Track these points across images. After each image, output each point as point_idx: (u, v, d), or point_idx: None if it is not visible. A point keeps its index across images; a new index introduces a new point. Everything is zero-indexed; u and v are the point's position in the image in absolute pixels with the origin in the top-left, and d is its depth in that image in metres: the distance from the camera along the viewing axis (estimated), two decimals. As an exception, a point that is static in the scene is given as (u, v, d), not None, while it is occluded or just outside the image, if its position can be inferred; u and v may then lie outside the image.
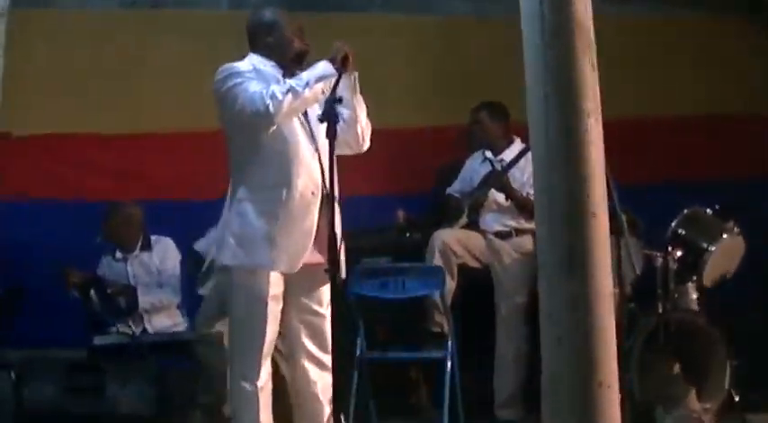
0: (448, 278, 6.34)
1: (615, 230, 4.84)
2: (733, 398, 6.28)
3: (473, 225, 6.71)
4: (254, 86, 4.51)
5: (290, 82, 4.59)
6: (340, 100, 4.43)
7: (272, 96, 4.43)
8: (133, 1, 8.04)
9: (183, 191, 7.67)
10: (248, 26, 4.99)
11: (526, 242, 6.43)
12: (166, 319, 7.01)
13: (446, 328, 6.21)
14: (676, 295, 6.61)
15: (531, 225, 6.25)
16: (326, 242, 4.39)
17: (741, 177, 7.80)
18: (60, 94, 7.72)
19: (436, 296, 6.28)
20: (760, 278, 7.29)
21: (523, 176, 6.46)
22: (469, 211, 6.66)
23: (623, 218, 4.92)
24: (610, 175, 4.69)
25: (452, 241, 6.52)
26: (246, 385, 4.59)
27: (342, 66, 4.49)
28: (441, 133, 7.91)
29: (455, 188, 6.95)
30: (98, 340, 6.22)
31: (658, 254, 6.41)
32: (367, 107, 4.90)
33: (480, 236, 6.51)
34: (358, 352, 6.19)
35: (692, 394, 6.33)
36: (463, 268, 6.57)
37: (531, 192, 5.74)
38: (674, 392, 6.29)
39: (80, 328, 6.74)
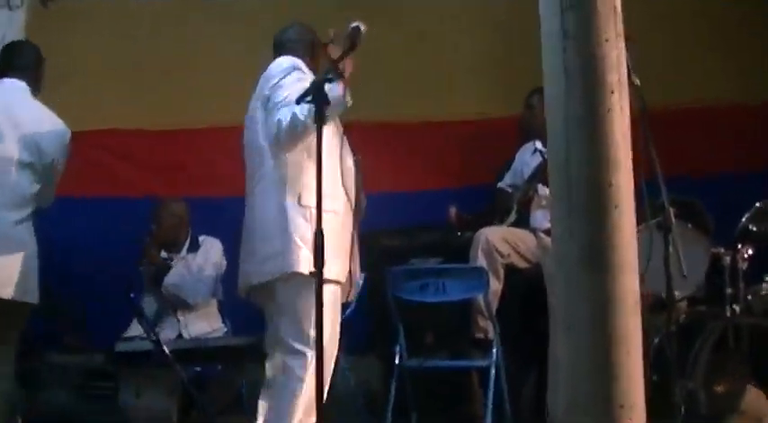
0: (493, 279, 5.82)
1: (664, 227, 4.35)
2: (809, 410, 5.67)
3: (522, 222, 6.14)
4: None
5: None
6: (330, 79, 3.93)
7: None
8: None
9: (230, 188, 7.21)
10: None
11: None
12: (204, 325, 6.63)
13: (491, 333, 5.68)
14: (749, 297, 5.98)
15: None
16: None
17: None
18: (103, 88, 7.42)
19: (480, 299, 5.72)
20: None
21: None
22: (518, 207, 6.13)
23: (671, 212, 4.29)
24: (656, 163, 4.22)
25: (497, 240, 6.00)
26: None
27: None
28: (503, 124, 7.35)
29: (506, 182, 6.49)
30: (119, 346, 5.80)
31: (726, 252, 5.79)
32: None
33: (530, 234, 5.94)
34: (397, 359, 5.69)
35: (766, 406, 5.70)
36: (511, 269, 6.00)
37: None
38: (745, 405, 5.69)
39: (109, 332, 6.30)
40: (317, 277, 3.83)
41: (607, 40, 3.15)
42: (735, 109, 7.38)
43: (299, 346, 4.58)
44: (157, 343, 5.65)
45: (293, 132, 4.46)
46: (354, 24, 4.33)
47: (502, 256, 6.01)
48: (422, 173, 7.16)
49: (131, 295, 6.13)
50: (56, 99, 6.82)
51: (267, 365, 4.67)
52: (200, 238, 6.76)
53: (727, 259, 5.85)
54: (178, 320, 6.59)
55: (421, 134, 7.15)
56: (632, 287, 3.10)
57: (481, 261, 5.95)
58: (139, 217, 6.98)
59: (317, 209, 3.93)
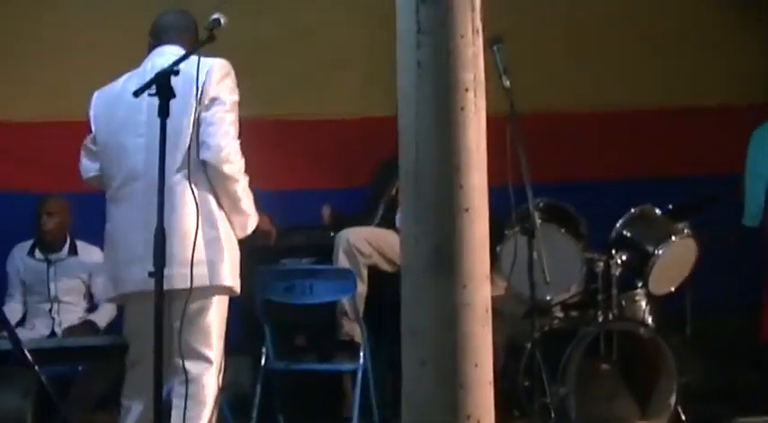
0: (358, 281, 5.64)
1: (528, 232, 4.26)
2: (680, 417, 5.63)
3: (389, 222, 6.00)
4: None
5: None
6: (176, 72, 3.76)
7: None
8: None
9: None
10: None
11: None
12: (74, 316, 6.44)
13: (357, 336, 5.53)
14: (623, 303, 5.95)
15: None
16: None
17: (711, 173, 7.06)
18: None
19: (345, 302, 5.59)
20: (735, 278, 6.69)
21: None
22: (385, 207, 5.99)
23: (536, 216, 4.19)
24: (525, 166, 4.14)
25: (359, 240, 5.83)
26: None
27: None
28: (385, 123, 7.18)
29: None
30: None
31: (600, 257, 5.73)
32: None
33: (395, 234, 5.69)
34: (263, 361, 5.54)
35: (635, 412, 5.70)
36: (376, 271, 5.85)
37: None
38: (615, 410, 5.65)
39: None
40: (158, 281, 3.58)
41: (463, 37, 3.03)
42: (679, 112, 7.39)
43: (209, 354, 4.29)
44: (16, 342, 5.42)
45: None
46: (215, 16, 4.11)
47: (364, 256, 5.85)
48: (300, 171, 7.02)
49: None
50: None
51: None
52: (79, 244, 6.53)
53: (600, 265, 5.78)
54: (53, 318, 6.42)
55: (300, 132, 7.00)
56: (482, 295, 2.97)
57: (343, 262, 5.80)
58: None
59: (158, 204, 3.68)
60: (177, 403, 4.24)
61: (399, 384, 5.61)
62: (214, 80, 4.23)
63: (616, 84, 7.25)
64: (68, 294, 6.47)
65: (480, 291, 2.90)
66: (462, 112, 2.94)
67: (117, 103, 4.23)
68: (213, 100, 4.21)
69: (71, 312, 6.46)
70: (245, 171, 4.32)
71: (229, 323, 4.94)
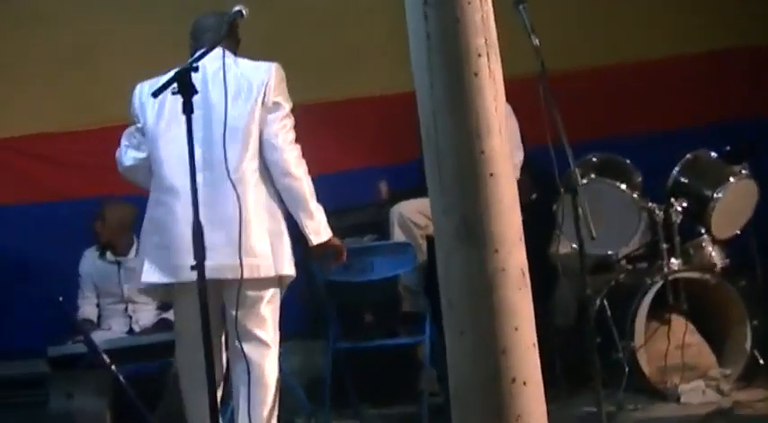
0: (418, 254, 5.65)
1: (570, 190, 4.23)
2: (757, 361, 5.56)
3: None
4: None
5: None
6: (195, 69, 3.82)
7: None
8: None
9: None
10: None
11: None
12: (152, 314, 6.54)
13: (421, 308, 5.54)
14: (690, 251, 5.89)
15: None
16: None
17: (757, 116, 6.91)
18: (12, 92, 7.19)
19: (407, 275, 5.59)
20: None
21: None
22: None
23: (578, 173, 4.16)
24: (562, 128, 4.11)
25: (411, 212, 5.87)
26: None
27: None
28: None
29: None
30: (51, 351, 5.67)
31: (659, 207, 5.68)
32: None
33: None
34: (331, 342, 5.57)
35: (710, 360, 5.61)
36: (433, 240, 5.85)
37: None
38: (689, 360, 5.60)
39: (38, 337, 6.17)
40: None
41: (470, 3, 3.01)
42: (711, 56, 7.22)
43: (268, 339, 4.45)
44: (91, 345, 5.54)
45: (294, 174, 4.44)
46: (237, 8, 4.16)
47: (419, 227, 5.88)
48: (352, 151, 7.03)
49: (60, 299, 6.01)
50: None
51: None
52: None
53: (660, 214, 5.72)
54: (130, 317, 6.50)
55: (342, 113, 7.01)
56: (516, 258, 2.95)
57: (399, 236, 5.85)
58: (59, 219, 6.98)
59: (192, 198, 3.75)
60: (242, 389, 4.38)
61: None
62: (275, 83, 4.47)
63: (655, 33, 7.12)
64: (140, 295, 6.53)
65: (513, 254, 2.89)
66: (477, 78, 2.92)
67: (165, 97, 4.26)
68: (276, 103, 4.45)
69: (146, 311, 6.54)
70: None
71: (298, 308, 5.00)
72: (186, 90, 3.67)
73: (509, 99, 5.77)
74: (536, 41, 4.36)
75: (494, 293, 2.88)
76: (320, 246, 4.47)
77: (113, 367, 5.26)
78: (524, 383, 2.90)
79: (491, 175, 2.93)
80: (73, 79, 7.12)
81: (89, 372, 5.48)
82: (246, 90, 4.39)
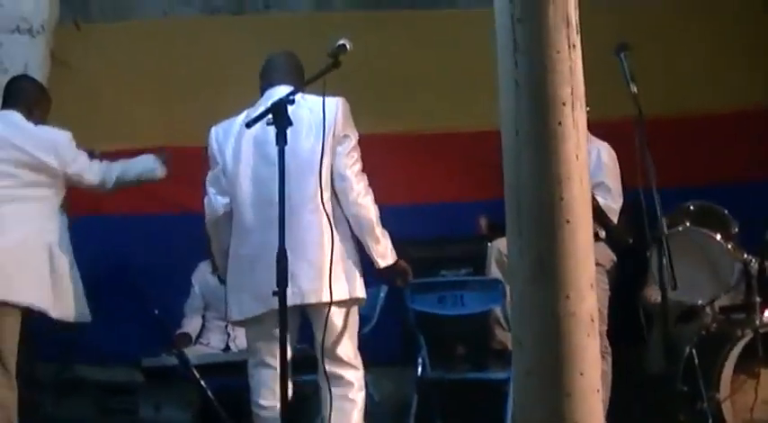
0: (509, 290, 5.69)
1: (657, 238, 4.27)
2: None
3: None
4: None
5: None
6: (291, 102, 4.09)
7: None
8: (215, 8, 7.64)
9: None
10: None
11: (597, 250, 5.69)
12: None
13: (510, 345, 5.58)
14: (786, 305, 5.84)
15: (600, 232, 5.64)
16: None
17: None
18: (142, 109, 7.49)
19: (497, 311, 5.66)
20: None
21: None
22: None
23: (665, 223, 4.19)
24: (653, 175, 4.15)
25: None
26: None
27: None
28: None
29: None
30: (146, 362, 5.86)
31: (753, 259, 5.65)
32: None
33: None
34: (419, 371, 5.67)
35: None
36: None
37: (598, 193, 5.22)
38: (772, 412, 5.55)
39: (141, 346, 6.37)
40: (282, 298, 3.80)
41: (559, 52, 3.09)
42: (756, 115, 7.17)
43: (352, 359, 4.74)
44: (182, 357, 5.71)
45: (362, 204, 4.73)
46: (341, 42, 4.33)
47: None
48: (456, 183, 7.10)
49: (155, 311, 6.21)
50: (87, 118, 6.98)
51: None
52: None
53: (755, 266, 5.69)
54: (228, 334, 6.64)
55: (449, 145, 7.08)
56: (587, 304, 3.02)
57: (495, 272, 5.90)
58: (177, 232, 7.16)
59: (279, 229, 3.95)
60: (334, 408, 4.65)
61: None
62: (343, 117, 4.73)
63: (751, 81, 7.08)
64: None
65: (585, 300, 2.96)
66: (560, 127, 3.00)
67: (241, 136, 4.49)
68: (345, 136, 4.71)
69: None
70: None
71: (390, 336, 5.11)
72: (282, 121, 3.80)
73: (606, 139, 5.90)
74: (634, 89, 4.42)
75: (562, 337, 2.95)
76: (387, 268, 4.73)
77: (202, 382, 5.43)
78: (586, 426, 2.95)
79: (567, 221, 3.01)
80: (195, 97, 7.37)
81: (179, 384, 5.63)
82: (317, 124, 4.61)
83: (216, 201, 4.89)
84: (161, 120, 7.45)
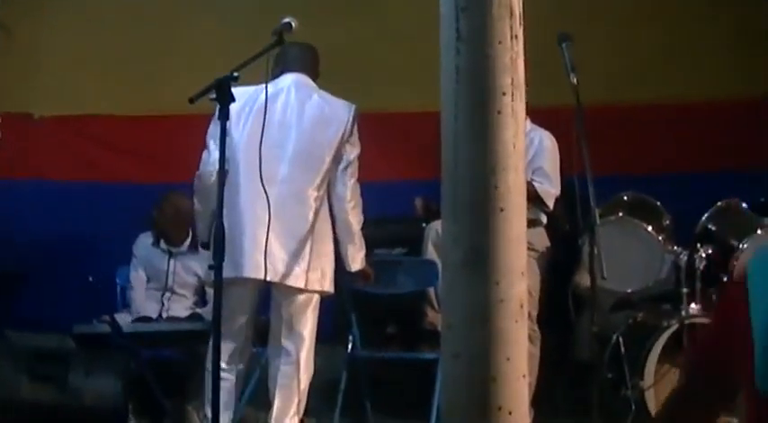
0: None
1: (589, 227, 4.35)
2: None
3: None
4: None
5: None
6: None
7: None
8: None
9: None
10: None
11: (534, 236, 5.78)
12: (186, 306, 6.74)
13: (440, 326, 5.64)
14: (713, 297, 5.95)
15: (541, 217, 5.72)
16: None
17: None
18: (84, 75, 7.48)
19: (431, 292, 5.73)
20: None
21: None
22: None
23: (597, 213, 4.28)
24: (588, 164, 4.23)
25: None
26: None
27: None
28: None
29: None
30: (77, 328, 5.85)
31: (683, 251, 5.76)
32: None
33: None
34: (349, 349, 5.72)
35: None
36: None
37: (536, 179, 5.28)
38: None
39: (75, 313, 6.36)
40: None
41: (500, 43, 3.13)
42: (699, 107, 7.27)
43: (307, 338, 5.02)
44: (114, 325, 5.71)
45: (354, 223, 5.10)
46: (286, 20, 4.39)
47: None
48: (392, 163, 7.11)
49: (89, 278, 6.21)
50: (27, 84, 6.93)
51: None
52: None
53: (684, 258, 5.79)
54: (162, 304, 6.66)
55: (387, 124, 7.11)
56: (517, 290, 3.07)
57: (432, 254, 5.95)
58: (108, 200, 7.28)
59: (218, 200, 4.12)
60: (281, 379, 4.95)
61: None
62: (355, 123, 5.06)
63: (696, 74, 7.18)
64: (183, 288, 6.72)
65: (515, 287, 3.01)
66: (499, 116, 3.04)
67: (251, 109, 4.61)
68: (352, 144, 5.05)
69: (181, 303, 6.73)
70: None
71: (321, 313, 5.18)
72: (223, 98, 3.83)
73: (548, 127, 5.97)
74: (574, 80, 4.49)
75: (490, 323, 3.00)
76: (356, 272, 5.16)
77: (136, 350, 5.43)
78: (510, 413, 3.01)
79: (501, 209, 3.05)
80: (140, 65, 7.35)
81: (110, 353, 5.63)
82: (328, 123, 4.94)
83: (211, 161, 4.99)
84: (103, 87, 7.39)
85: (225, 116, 3.98)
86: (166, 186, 6.96)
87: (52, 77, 7.32)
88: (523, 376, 3.11)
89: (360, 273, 5.23)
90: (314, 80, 5.07)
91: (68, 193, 7.50)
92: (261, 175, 4.47)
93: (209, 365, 4.78)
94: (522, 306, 3.12)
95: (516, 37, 3.20)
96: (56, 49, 7.31)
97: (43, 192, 7.46)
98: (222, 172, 4.08)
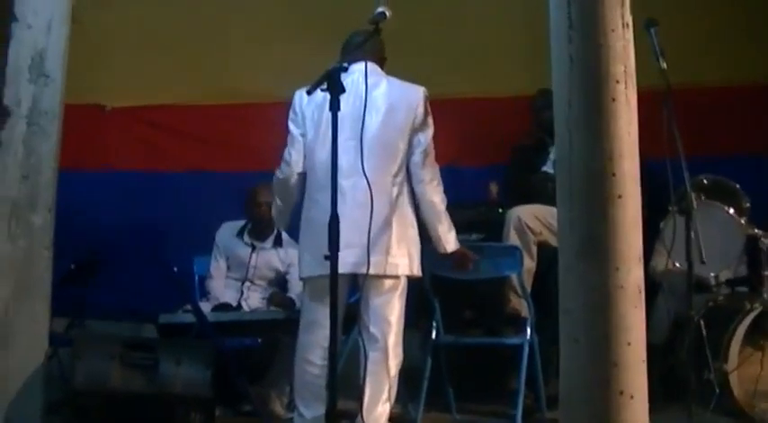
0: (526, 258, 5.82)
1: (685, 210, 4.35)
2: None
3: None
4: None
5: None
6: (345, 69, 4.23)
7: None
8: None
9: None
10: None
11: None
12: (262, 296, 6.77)
13: (524, 311, 5.69)
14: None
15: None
16: None
17: None
18: (153, 66, 7.45)
19: (513, 277, 5.74)
20: None
21: None
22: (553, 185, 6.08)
23: (693, 196, 4.28)
24: (681, 148, 4.23)
25: (529, 217, 6.01)
26: None
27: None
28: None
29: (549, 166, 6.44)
30: (163, 318, 5.93)
31: (764, 233, 5.75)
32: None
33: None
34: (433, 335, 5.75)
35: (802, 390, 5.68)
36: (545, 247, 5.99)
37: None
38: (777, 386, 5.66)
39: (155, 302, 6.42)
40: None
41: (613, 31, 3.16)
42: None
43: (395, 324, 4.98)
44: (199, 316, 5.78)
45: (438, 202, 5.03)
46: (380, 10, 4.42)
47: (534, 233, 6.02)
48: (463, 150, 7.12)
49: (174, 269, 6.28)
50: (98, 75, 6.99)
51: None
52: (284, 238, 6.78)
53: (765, 241, 5.78)
54: (242, 293, 6.71)
55: (461, 111, 7.12)
56: (635, 276, 3.11)
57: (513, 239, 5.96)
58: (180, 190, 7.34)
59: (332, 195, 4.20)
60: (370, 366, 4.86)
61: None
62: (425, 106, 4.98)
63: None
64: (262, 279, 6.76)
65: (633, 273, 3.04)
66: (614, 103, 3.07)
67: (323, 105, 4.64)
68: (426, 125, 4.99)
69: (259, 293, 6.78)
70: None
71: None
72: (335, 88, 3.88)
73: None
74: (664, 64, 4.49)
75: (610, 309, 3.03)
76: (451, 253, 5.08)
77: (219, 338, 5.49)
78: (631, 397, 3.05)
79: (619, 196, 3.08)
80: (209, 54, 7.31)
81: (197, 341, 5.70)
82: (398, 109, 4.89)
83: (293, 161, 5.05)
84: (172, 77, 7.42)
85: (336, 106, 4.01)
86: (237, 175, 7.05)
87: (122, 69, 7.33)
88: (643, 361, 3.13)
89: (456, 254, 5.15)
90: (381, 67, 5.08)
91: (138, 182, 7.55)
92: (334, 168, 4.37)
93: (305, 354, 4.87)
94: (640, 291, 3.15)
95: (627, 25, 3.23)
96: (124, 39, 7.30)
97: (114, 182, 7.51)
98: (335, 163, 4.16)
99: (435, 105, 5.33)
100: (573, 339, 2.99)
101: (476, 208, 6.56)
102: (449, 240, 5.09)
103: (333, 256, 3.98)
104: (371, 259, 4.67)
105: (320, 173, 4.81)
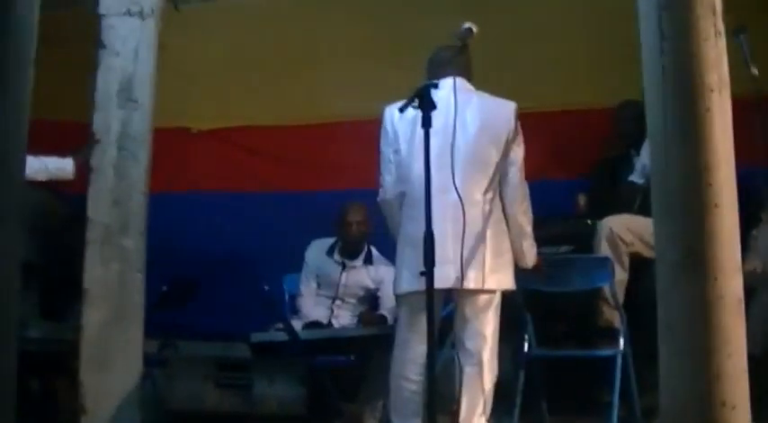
0: (618, 269, 5.77)
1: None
2: None
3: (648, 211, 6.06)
4: None
5: None
6: (435, 86, 4.24)
7: None
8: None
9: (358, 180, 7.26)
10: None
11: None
12: (353, 313, 6.81)
13: (617, 323, 5.65)
14: None
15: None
16: None
17: None
18: (237, 87, 7.58)
19: (605, 289, 5.71)
20: None
21: None
22: (643, 195, 6.06)
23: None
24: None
25: (621, 229, 5.96)
26: None
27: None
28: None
29: (635, 176, 6.39)
30: (255, 337, 5.97)
31: None
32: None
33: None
34: (525, 348, 5.74)
35: None
36: (637, 258, 5.95)
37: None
38: None
39: (246, 322, 6.48)
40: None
41: (706, 40, 3.14)
42: None
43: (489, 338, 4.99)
44: (292, 334, 5.82)
45: (526, 224, 5.11)
46: (467, 26, 4.45)
47: (626, 244, 5.97)
48: (550, 163, 7.09)
49: (265, 287, 6.33)
50: (184, 99, 7.09)
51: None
52: (374, 254, 6.82)
53: None
54: (332, 311, 6.76)
55: (547, 124, 7.09)
56: (734, 286, 3.08)
57: (605, 251, 5.91)
58: (269, 209, 7.38)
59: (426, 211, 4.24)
60: (466, 381, 4.94)
61: (658, 371, 5.76)
62: (516, 122, 5.01)
63: None
64: (352, 297, 6.80)
65: (732, 283, 3.02)
66: (708, 113, 3.06)
67: (417, 122, 4.64)
68: (517, 143, 5.01)
69: (349, 311, 6.81)
70: None
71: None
72: (426, 105, 3.90)
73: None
74: (755, 71, 4.45)
75: (711, 320, 3.01)
76: (530, 268, 5.17)
77: (312, 356, 5.52)
78: (734, 408, 3.02)
79: (716, 205, 3.06)
80: (290, 75, 7.40)
81: (290, 359, 5.73)
82: (491, 124, 4.91)
83: (387, 185, 5.13)
84: (255, 100, 7.50)
85: (428, 123, 4.03)
86: (324, 194, 7.10)
87: (206, 93, 7.43)
88: (745, 372, 3.10)
89: (535, 269, 5.25)
90: (469, 81, 5.08)
91: (226, 203, 7.60)
92: (427, 185, 4.40)
93: (401, 370, 4.89)
94: (739, 301, 3.12)
95: (719, 34, 3.21)
96: (210, 62, 7.41)
97: (202, 203, 7.57)
98: (428, 179, 4.18)
99: (522, 118, 5.35)
100: (673, 353, 2.95)
101: (564, 220, 6.52)
102: (530, 256, 5.17)
103: (428, 272, 3.94)
104: (468, 274, 4.72)
105: (416, 188, 4.82)
